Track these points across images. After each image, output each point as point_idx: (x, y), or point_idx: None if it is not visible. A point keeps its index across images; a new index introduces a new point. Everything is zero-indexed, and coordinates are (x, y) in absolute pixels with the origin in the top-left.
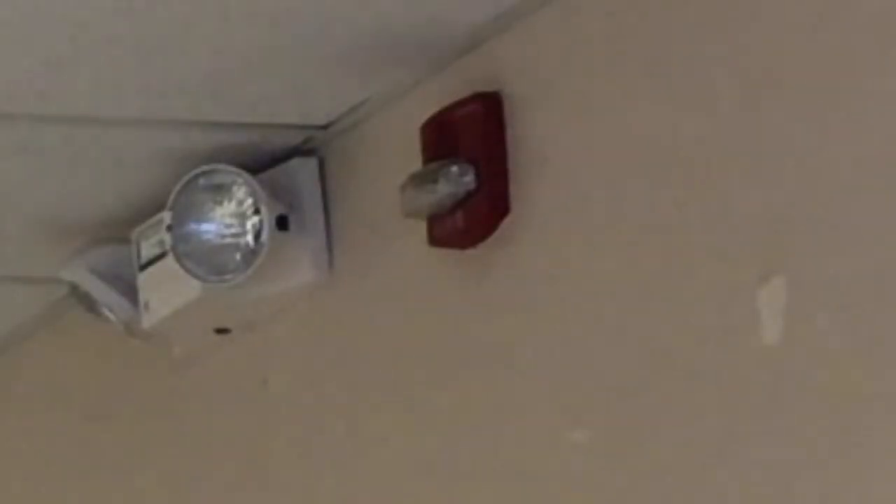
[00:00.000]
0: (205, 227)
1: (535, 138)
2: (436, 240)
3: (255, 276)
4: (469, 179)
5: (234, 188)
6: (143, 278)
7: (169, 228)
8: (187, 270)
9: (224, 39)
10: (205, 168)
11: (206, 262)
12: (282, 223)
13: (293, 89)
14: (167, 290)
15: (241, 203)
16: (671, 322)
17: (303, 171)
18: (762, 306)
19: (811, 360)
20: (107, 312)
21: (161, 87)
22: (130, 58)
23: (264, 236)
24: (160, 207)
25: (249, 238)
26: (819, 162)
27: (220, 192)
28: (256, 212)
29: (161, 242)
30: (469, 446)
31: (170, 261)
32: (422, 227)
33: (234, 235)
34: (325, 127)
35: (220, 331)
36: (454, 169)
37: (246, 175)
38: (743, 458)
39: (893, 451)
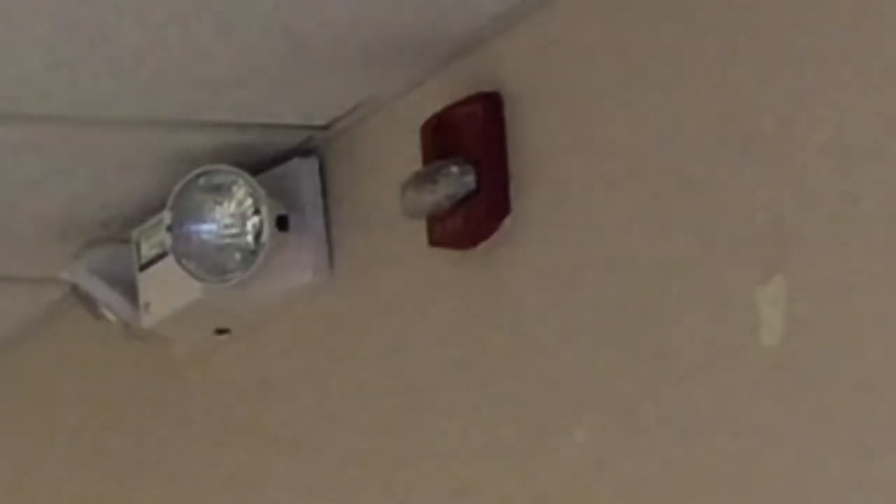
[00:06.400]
0: (205, 227)
1: (535, 138)
2: (436, 240)
3: (255, 276)
4: (469, 179)
5: (234, 188)
6: (143, 278)
7: (169, 228)
8: (187, 271)
9: (224, 40)
10: (205, 168)
11: (206, 262)
12: (282, 223)
13: (293, 89)
14: (167, 291)
15: (241, 203)
16: (671, 321)
17: (303, 171)
18: (762, 306)
19: (811, 360)
20: (107, 312)
21: (161, 87)
22: (130, 58)
23: (264, 236)
24: (160, 207)
25: (249, 238)
26: (819, 161)
27: (220, 192)
28: (256, 212)
29: (161, 242)
30: (469, 446)
31: (170, 261)
32: (422, 227)
33: (234, 235)
34: (325, 127)
35: (220, 331)
36: (454, 169)
37: (246, 175)
38: (743, 458)
39: (893, 450)
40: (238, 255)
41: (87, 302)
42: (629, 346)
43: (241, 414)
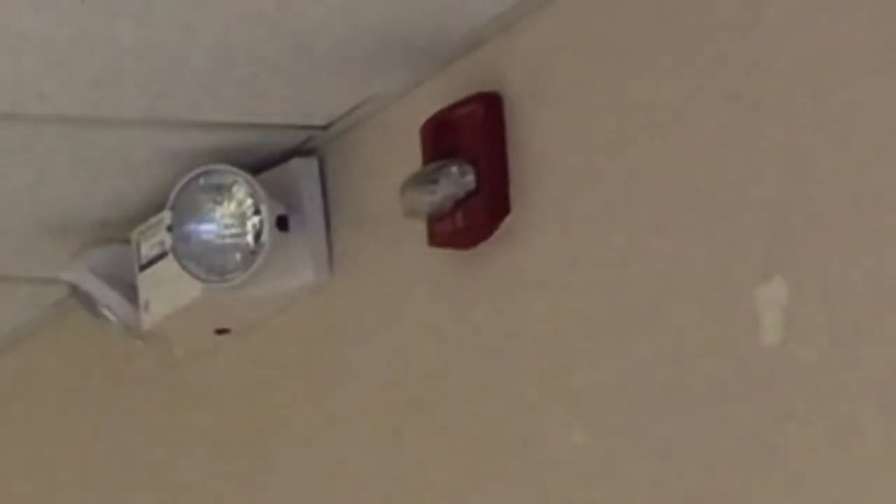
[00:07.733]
0: (205, 227)
1: (535, 138)
2: (436, 240)
3: (256, 276)
4: (469, 179)
5: (234, 188)
6: (143, 278)
7: (169, 228)
8: (187, 270)
9: (224, 40)
10: (205, 168)
11: (206, 262)
12: (282, 223)
13: (293, 89)
14: (167, 291)
15: (241, 203)
16: (671, 322)
17: (303, 171)
18: (762, 306)
19: (811, 360)
20: (107, 312)
21: (161, 87)
22: (130, 58)
23: (264, 236)
24: (160, 207)
25: (249, 238)
26: (819, 161)
27: (220, 192)
28: (256, 212)
29: (161, 242)
30: (469, 446)
31: (170, 261)
32: (422, 227)
33: (234, 235)
34: (325, 127)
35: (220, 331)
36: (454, 169)
37: (246, 175)
38: (743, 457)
39: (892, 450)
40: (238, 255)
41: (87, 302)
42: (629, 347)
43: (240, 414)
